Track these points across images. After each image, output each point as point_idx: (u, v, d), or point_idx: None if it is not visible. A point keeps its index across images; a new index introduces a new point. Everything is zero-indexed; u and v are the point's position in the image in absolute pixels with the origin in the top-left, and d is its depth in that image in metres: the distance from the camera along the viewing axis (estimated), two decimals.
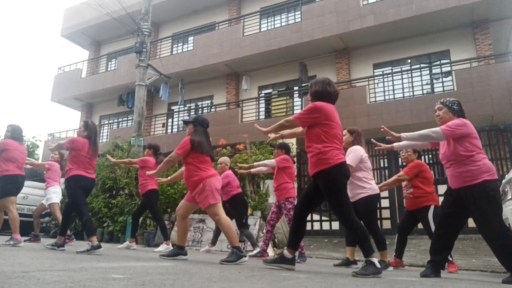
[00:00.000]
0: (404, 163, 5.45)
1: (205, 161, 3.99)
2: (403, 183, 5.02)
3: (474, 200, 3.25)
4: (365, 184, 4.32)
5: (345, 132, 4.56)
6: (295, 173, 5.83)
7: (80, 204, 4.52)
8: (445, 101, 3.61)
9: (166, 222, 8.37)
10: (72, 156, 4.55)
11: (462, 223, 3.58)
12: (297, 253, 3.97)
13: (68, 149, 4.59)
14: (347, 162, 4.15)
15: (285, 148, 5.82)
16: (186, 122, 4.29)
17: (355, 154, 4.32)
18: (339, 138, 3.31)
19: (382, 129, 3.73)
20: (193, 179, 3.89)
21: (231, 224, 3.91)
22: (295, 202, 5.58)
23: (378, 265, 3.04)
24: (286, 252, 3.35)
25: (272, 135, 3.78)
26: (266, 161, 5.87)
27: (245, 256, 3.83)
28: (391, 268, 4.42)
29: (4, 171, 5.01)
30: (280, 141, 5.69)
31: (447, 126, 3.36)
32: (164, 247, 6.08)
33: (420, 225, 5.19)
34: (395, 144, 3.98)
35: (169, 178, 4.88)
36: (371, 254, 3.08)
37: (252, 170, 5.98)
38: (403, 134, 3.54)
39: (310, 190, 3.42)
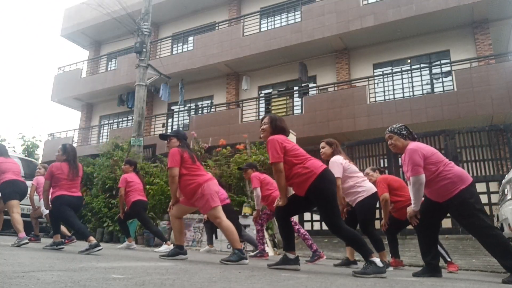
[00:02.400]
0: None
1: (198, 168, 4.03)
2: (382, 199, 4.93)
3: (456, 210, 3.35)
4: (358, 188, 4.37)
5: (323, 144, 4.65)
6: (272, 180, 5.81)
7: (68, 218, 4.58)
8: (393, 129, 3.67)
9: (166, 222, 8.37)
10: (54, 180, 4.66)
11: (440, 220, 3.69)
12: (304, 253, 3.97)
13: (50, 178, 4.66)
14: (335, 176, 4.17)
15: (252, 167, 6.00)
16: (167, 136, 4.30)
17: (336, 164, 4.33)
18: (306, 154, 3.45)
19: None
20: (191, 187, 3.90)
21: (232, 226, 3.91)
22: None
23: (379, 264, 3.03)
24: (287, 254, 3.38)
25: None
26: (257, 196, 5.70)
27: (246, 259, 3.83)
28: (391, 268, 4.42)
29: (2, 179, 5.09)
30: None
31: (411, 170, 3.37)
32: (165, 247, 6.07)
33: None
34: (415, 209, 3.63)
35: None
36: (370, 254, 3.08)
37: (260, 209, 5.75)
38: (414, 208, 3.55)
39: (296, 199, 3.44)
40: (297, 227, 5.57)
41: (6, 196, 5.08)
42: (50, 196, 4.71)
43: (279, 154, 3.33)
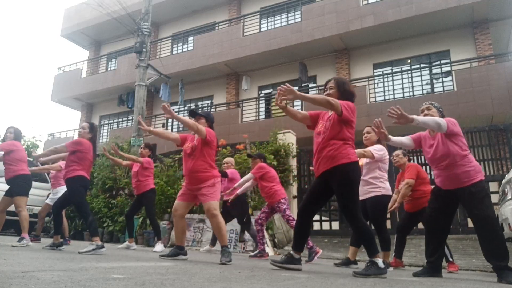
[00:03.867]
0: (395, 167, 5.43)
1: (215, 159, 4.07)
2: (399, 186, 5.00)
3: (471, 199, 3.30)
4: (380, 183, 4.30)
5: (369, 129, 4.50)
6: (276, 175, 5.88)
7: (84, 204, 4.54)
8: (433, 103, 3.69)
9: (166, 222, 8.36)
10: (77, 157, 4.41)
11: (450, 220, 3.63)
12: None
13: (72, 150, 4.44)
14: (374, 153, 4.18)
15: (261, 157, 6.02)
16: (197, 114, 4.18)
17: (382, 152, 4.28)
18: (353, 138, 3.33)
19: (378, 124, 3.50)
20: (205, 174, 3.91)
21: (223, 223, 3.94)
22: (287, 203, 5.68)
23: (381, 265, 3.01)
24: (293, 253, 3.32)
25: (284, 102, 3.49)
26: (244, 177, 5.88)
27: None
28: (391, 268, 4.42)
29: (19, 170, 4.98)
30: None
31: (449, 121, 3.34)
32: (160, 246, 6.09)
33: (420, 225, 5.19)
34: (391, 137, 3.73)
35: (153, 130, 4.32)
36: (376, 255, 3.06)
37: (238, 192, 5.94)
38: (415, 117, 3.19)
39: (316, 188, 3.33)
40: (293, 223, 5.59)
41: (19, 190, 4.97)
42: (70, 174, 4.40)
43: (349, 113, 3.14)
